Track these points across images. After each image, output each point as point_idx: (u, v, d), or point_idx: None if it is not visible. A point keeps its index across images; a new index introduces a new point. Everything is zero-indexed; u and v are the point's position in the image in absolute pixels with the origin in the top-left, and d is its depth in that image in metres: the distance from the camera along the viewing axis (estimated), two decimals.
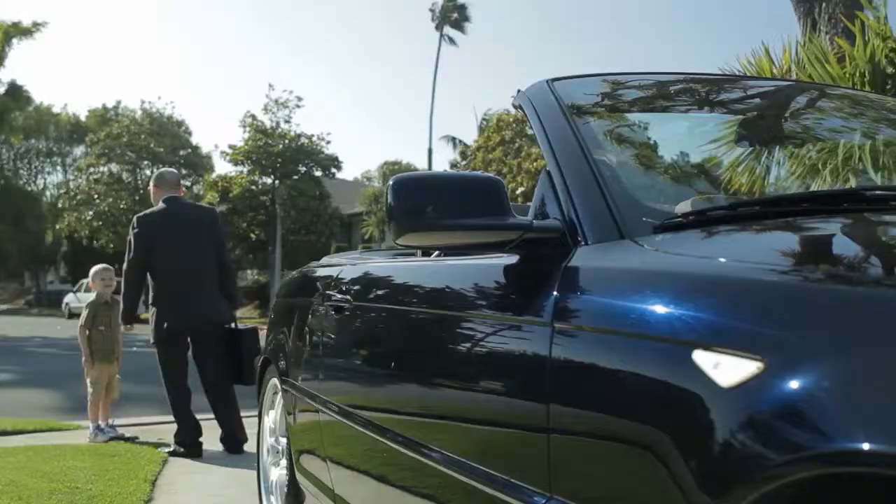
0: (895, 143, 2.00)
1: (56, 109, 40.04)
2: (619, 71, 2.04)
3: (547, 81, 1.73)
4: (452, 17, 35.41)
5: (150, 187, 5.09)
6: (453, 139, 29.69)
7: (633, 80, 2.01)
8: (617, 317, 1.12)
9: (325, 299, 2.44)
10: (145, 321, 4.90)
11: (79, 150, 40.69)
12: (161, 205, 4.85)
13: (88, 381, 5.13)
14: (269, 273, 26.33)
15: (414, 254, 2.58)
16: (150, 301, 4.77)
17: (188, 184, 31.71)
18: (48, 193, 41.20)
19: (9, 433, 5.24)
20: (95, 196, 32.52)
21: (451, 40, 35.68)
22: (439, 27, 35.26)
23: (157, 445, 4.84)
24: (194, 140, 35.71)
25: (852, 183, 1.91)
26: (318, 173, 29.29)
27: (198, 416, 4.79)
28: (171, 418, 4.81)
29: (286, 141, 28.34)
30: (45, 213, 37.83)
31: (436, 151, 35.09)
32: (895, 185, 1.89)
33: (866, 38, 4.24)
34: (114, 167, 33.72)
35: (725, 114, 2.07)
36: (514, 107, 1.76)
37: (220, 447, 4.74)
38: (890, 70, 4.17)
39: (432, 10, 35.62)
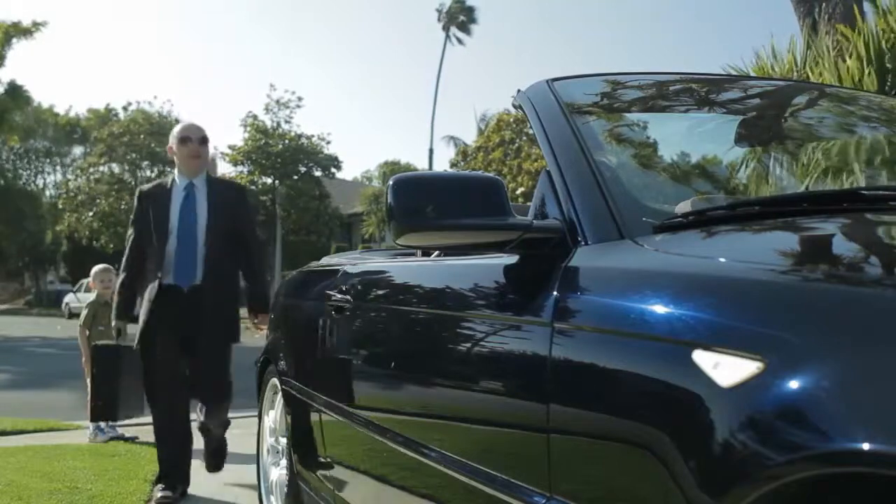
0: (894, 142, 2.00)
1: (56, 109, 40.05)
2: (619, 71, 2.03)
3: (547, 81, 1.73)
4: (459, 18, 35.45)
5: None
6: (453, 138, 29.73)
7: (633, 80, 2.00)
8: (617, 317, 1.12)
9: (325, 299, 2.44)
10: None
11: (78, 150, 40.65)
12: None
13: (88, 380, 5.13)
14: (269, 273, 26.34)
15: (414, 254, 2.58)
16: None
17: None
18: (48, 193, 41.16)
19: (9, 433, 5.25)
20: (96, 197, 32.49)
21: (459, 41, 35.74)
22: (446, 28, 35.28)
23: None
24: None
25: (852, 182, 1.91)
26: (317, 173, 29.30)
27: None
28: None
29: (286, 141, 28.35)
30: (45, 214, 37.79)
31: (436, 151, 35.13)
32: (895, 185, 1.89)
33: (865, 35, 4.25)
34: (115, 167, 33.68)
35: (725, 114, 2.07)
36: (515, 107, 1.75)
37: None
38: (890, 65, 4.18)
39: (439, 11, 35.66)
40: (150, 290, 3.60)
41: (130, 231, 3.84)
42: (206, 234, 3.62)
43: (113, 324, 3.87)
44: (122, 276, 3.83)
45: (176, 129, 3.87)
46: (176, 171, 3.81)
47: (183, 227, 3.63)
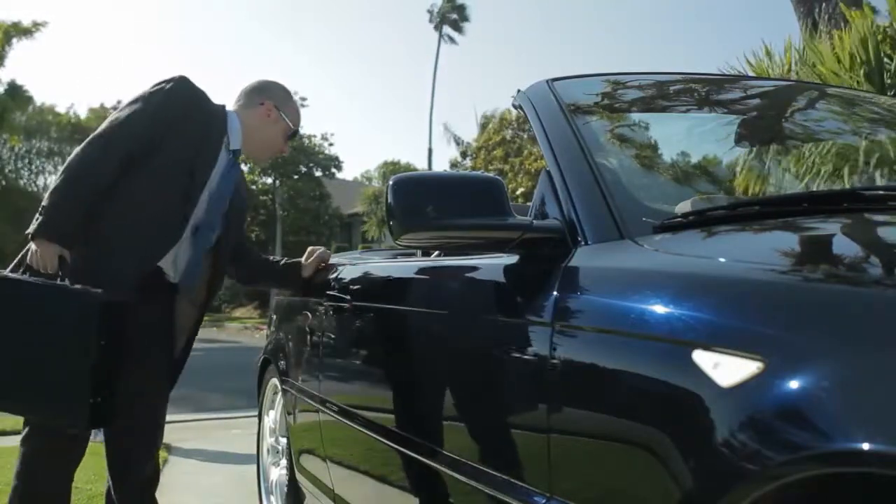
0: (893, 142, 2.00)
1: (59, 109, 40.12)
2: (619, 71, 2.04)
3: (547, 81, 1.73)
4: (451, 17, 35.53)
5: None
6: (448, 129, 29.84)
7: (633, 80, 2.00)
8: (617, 317, 1.12)
9: (326, 299, 2.44)
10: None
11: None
12: None
13: None
14: None
15: (414, 254, 2.58)
16: None
17: None
18: None
19: (9, 433, 5.23)
20: None
21: (452, 39, 35.82)
22: (438, 27, 35.37)
23: None
24: None
25: (852, 182, 1.91)
26: (318, 173, 29.32)
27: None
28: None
29: None
30: None
31: (436, 148, 35.34)
32: (895, 185, 1.89)
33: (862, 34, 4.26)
34: None
35: (725, 114, 2.07)
36: (514, 107, 1.75)
37: (220, 447, 4.72)
38: (889, 64, 4.18)
39: (430, 12, 35.74)
40: (127, 273, 2.17)
41: (132, 121, 2.24)
42: (226, 230, 2.42)
43: (33, 248, 2.15)
44: (95, 167, 2.21)
45: (293, 104, 2.58)
46: (239, 123, 2.44)
47: (212, 204, 2.34)
